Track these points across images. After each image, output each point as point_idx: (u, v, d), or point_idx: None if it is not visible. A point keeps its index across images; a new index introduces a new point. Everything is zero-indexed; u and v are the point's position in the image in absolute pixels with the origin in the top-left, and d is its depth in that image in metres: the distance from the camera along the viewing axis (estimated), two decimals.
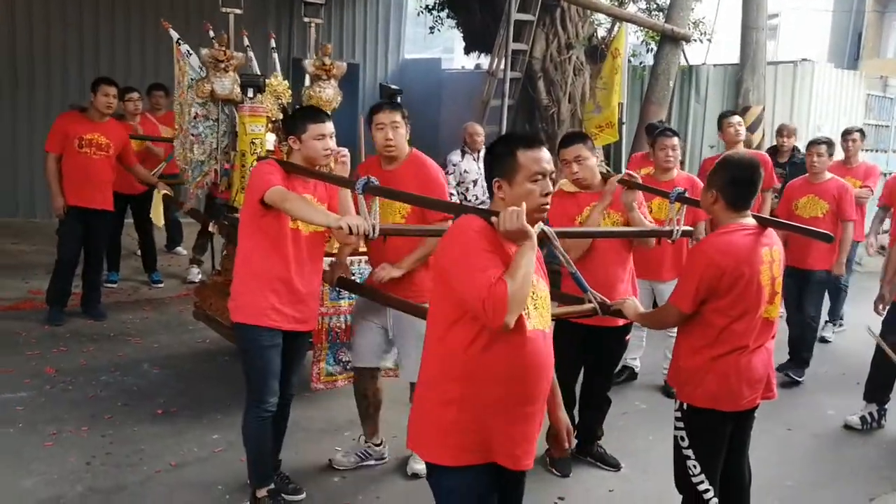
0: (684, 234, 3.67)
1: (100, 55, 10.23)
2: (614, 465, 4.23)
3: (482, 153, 7.28)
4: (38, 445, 4.08)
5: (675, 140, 5.18)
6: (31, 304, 6.45)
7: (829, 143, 5.84)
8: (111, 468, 3.90)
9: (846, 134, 7.06)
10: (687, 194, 3.82)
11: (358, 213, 3.15)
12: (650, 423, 4.78)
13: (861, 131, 7.09)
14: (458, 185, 7.34)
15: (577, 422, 4.20)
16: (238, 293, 3.42)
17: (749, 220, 2.99)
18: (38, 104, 9.75)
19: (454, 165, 7.36)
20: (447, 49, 19.79)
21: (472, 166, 7.41)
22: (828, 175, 5.78)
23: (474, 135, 7.45)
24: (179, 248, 8.65)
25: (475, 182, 7.34)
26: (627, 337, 4.19)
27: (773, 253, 2.98)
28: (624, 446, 4.41)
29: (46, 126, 6.52)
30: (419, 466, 3.83)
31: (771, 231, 3.05)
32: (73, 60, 10.05)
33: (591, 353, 4.14)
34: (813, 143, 5.83)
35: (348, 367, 4.30)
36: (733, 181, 2.95)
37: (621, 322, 3.77)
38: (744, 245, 2.90)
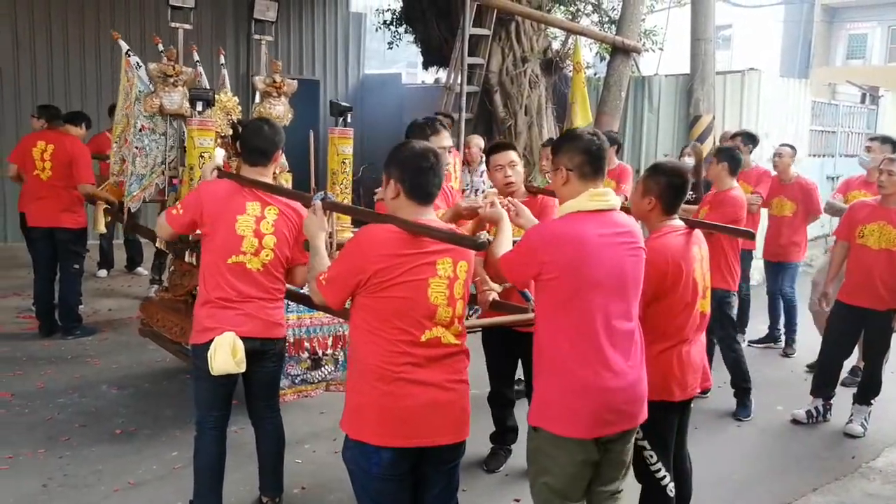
0: None
1: (52, 71, 10.19)
2: None
3: (481, 167, 7.26)
4: None
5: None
6: None
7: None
8: (68, 489, 3.89)
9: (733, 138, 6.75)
10: None
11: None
12: None
13: (745, 135, 6.77)
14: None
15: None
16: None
17: (678, 222, 3.15)
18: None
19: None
20: (411, 64, 19.93)
21: (467, 178, 7.52)
22: None
23: (471, 147, 7.47)
24: (140, 269, 8.64)
25: (477, 192, 7.25)
26: None
27: (701, 251, 3.18)
28: None
29: (12, 146, 6.63)
30: None
31: (697, 231, 3.22)
32: (25, 77, 10.01)
33: (520, 356, 4.16)
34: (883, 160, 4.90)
35: (296, 380, 4.33)
36: (670, 188, 3.09)
37: None
38: (679, 245, 3.07)
